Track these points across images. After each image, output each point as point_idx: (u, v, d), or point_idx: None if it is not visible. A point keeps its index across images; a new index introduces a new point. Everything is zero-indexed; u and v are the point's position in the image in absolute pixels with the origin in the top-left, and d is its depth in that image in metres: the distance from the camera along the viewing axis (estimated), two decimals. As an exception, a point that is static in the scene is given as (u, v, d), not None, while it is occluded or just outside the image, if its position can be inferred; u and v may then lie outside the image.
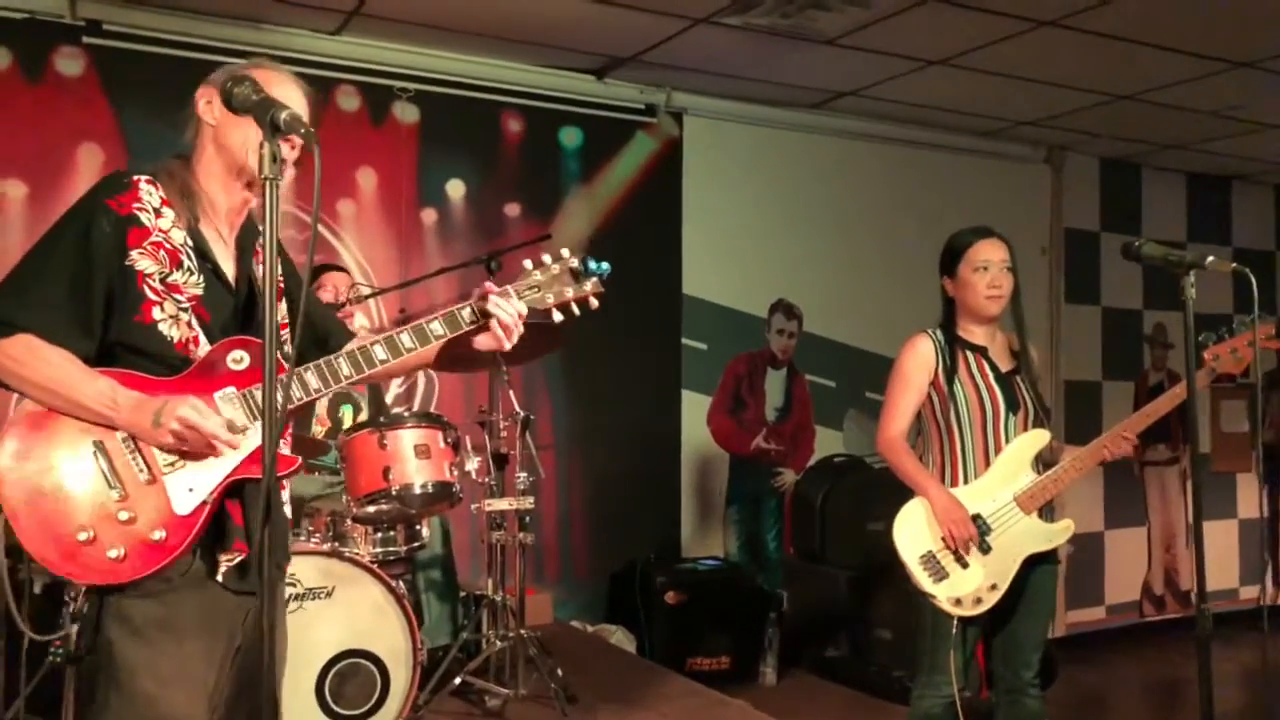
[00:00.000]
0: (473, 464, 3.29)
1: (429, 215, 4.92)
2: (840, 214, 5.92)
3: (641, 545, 5.18)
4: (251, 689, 1.84)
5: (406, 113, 4.86)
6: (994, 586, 2.88)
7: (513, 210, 5.11)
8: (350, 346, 1.92)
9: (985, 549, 2.89)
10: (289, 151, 1.87)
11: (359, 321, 4.60)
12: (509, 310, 1.91)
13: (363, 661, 2.85)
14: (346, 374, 1.87)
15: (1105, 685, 5.75)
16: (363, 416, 3.73)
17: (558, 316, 1.96)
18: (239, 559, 1.81)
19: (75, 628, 1.77)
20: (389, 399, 4.40)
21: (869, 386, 5.99)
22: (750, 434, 5.65)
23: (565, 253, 1.99)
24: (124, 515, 1.72)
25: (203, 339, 1.83)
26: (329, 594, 2.84)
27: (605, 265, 1.98)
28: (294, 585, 2.82)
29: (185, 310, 1.82)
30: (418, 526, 3.40)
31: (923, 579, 2.89)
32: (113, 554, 1.71)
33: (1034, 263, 6.57)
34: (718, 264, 5.58)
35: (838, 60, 4.96)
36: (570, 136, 5.26)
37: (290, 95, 1.90)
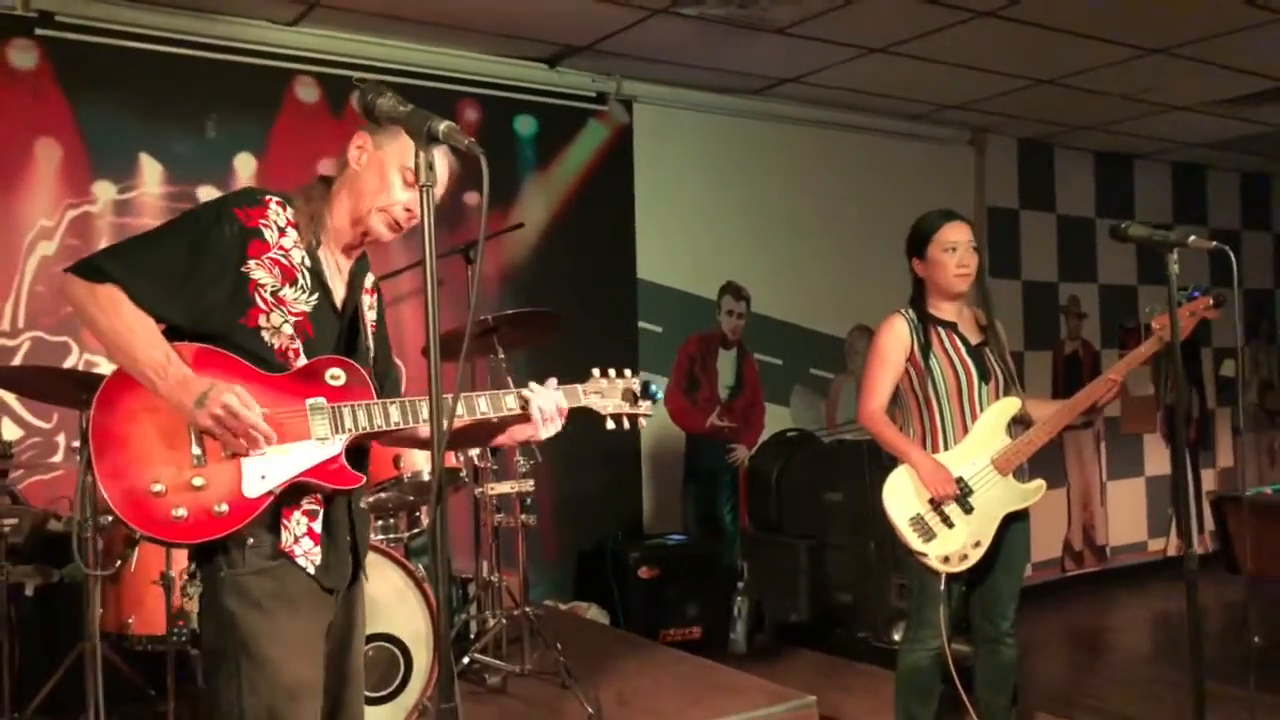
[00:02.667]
0: (475, 449, 3.39)
1: (390, 205, 4.94)
2: (783, 196, 6.12)
3: (605, 524, 5.32)
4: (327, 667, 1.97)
5: (365, 103, 4.86)
6: (978, 544, 3.11)
7: (472, 199, 5.15)
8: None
9: (968, 509, 3.11)
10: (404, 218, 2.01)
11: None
12: (549, 405, 2.07)
13: (386, 645, 2.94)
14: (395, 420, 1.98)
15: (1031, 638, 6.12)
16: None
17: (610, 425, 2.19)
18: (315, 550, 1.92)
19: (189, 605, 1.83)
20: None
21: (813, 363, 6.24)
22: (704, 412, 5.83)
23: (629, 373, 2.23)
24: (198, 481, 1.82)
25: (303, 352, 1.94)
26: (352, 580, 2.91)
27: (659, 392, 2.23)
28: (318, 573, 2.88)
29: (290, 324, 1.93)
30: (417, 514, 3.48)
31: (913, 539, 3.10)
32: (176, 513, 1.80)
33: (960, 240, 6.90)
34: (669, 248, 5.73)
35: (782, 48, 5.14)
36: (525, 124, 5.34)
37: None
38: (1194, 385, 8.27)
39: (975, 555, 3.11)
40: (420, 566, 3.13)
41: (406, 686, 2.97)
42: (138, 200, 4.38)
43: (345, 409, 1.94)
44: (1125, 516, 7.75)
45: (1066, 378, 7.45)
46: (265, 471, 1.86)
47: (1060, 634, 6.35)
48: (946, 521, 3.10)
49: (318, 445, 1.90)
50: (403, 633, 2.96)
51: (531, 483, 3.61)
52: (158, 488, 1.80)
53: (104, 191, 4.31)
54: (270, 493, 1.86)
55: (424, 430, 2.03)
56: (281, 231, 1.95)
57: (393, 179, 2.00)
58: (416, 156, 1.65)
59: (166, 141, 4.43)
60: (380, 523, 3.36)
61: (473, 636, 3.91)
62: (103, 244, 4.28)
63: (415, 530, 3.52)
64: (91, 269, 1.85)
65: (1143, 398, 7.90)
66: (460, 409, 2.03)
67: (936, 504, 3.10)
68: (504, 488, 3.58)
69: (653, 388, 2.21)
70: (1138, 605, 6.92)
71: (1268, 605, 5.71)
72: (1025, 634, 5.95)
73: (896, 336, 3.22)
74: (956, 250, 3.18)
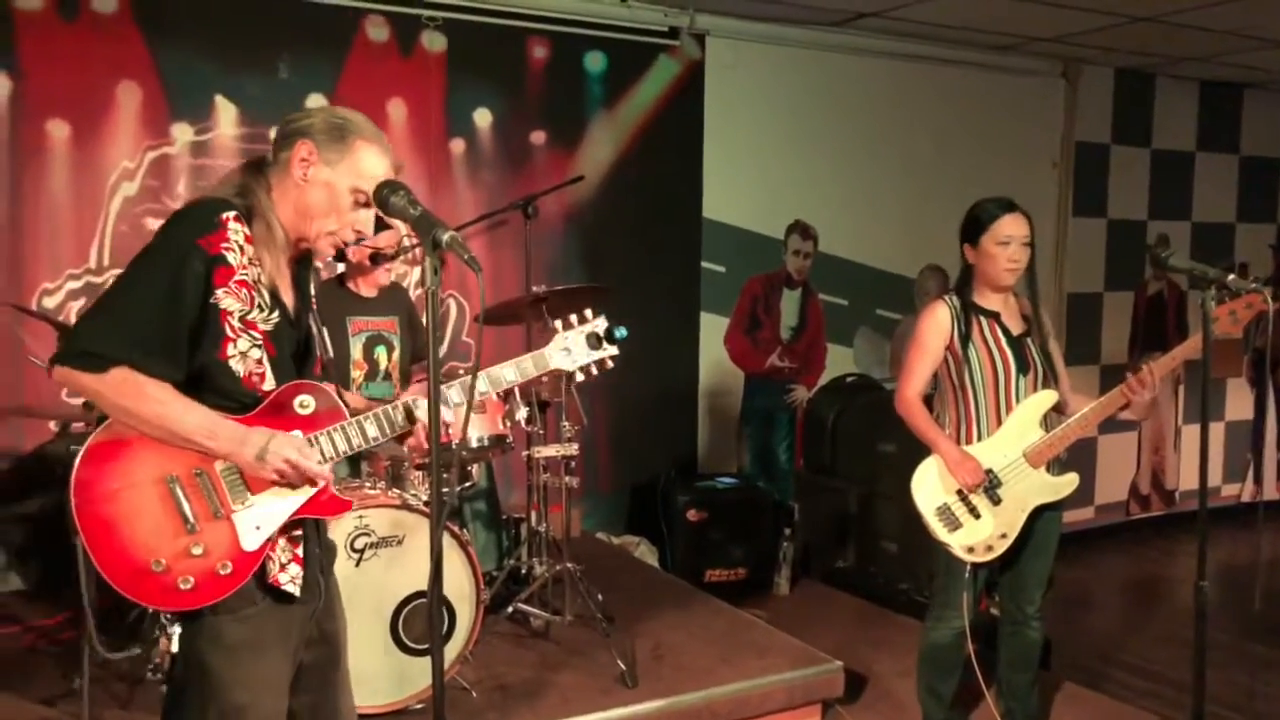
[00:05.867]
0: (522, 413, 3.54)
1: (457, 145, 5.01)
2: (857, 133, 6.00)
3: (661, 460, 5.47)
4: (316, 681, 2.06)
5: (434, 42, 4.90)
6: (1003, 535, 3.15)
7: (538, 138, 5.20)
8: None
9: (996, 500, 3.15)
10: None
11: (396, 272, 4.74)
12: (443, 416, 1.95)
13: (431, 601, 3.14)
14: (374, 435, 1.99)
15: (1085, 586, 6.14)
16: (396, 355, 3.91)
17: (579, 377, 2.18)
18: (300, 574, 1.95)
19: (163, 643, 1.87)
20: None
21: (880, 304, 6.21)
22: (765, 353, 5.88)
23: (589, 314, 2.18)
24: (196, 550, 1.84)
25: (269, 374, 1.91)
26: (400, 542, 3.10)
27: (624, 331, 2.19)
28: (368, 535, 3.08)
29: (258, 346, 1.89)
30: (469, 468, 3.67)
31: (938, 529, 3.16)
32: (183, 585, 1.83)
33: (1044, 177, 6.71)
34: (736, 187, 5.70)
35: (864, -16, 4.99)
36: (594, 61, 5.31)
37: (375, 165, 1.95)
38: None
39: (1001, 546, 3.15)
40: (465, 530, 3.31)
41: (450, 639, 3.18)
42: (214, 141, 4.53)
43: (323, 437, 1.94)
44: (1199, 460, 7.59)
45: (1148, 320, 7.26)
46: (259, 521, 1.88)
47: (1115, 582, 6.35)
48: (974, 512, 3.15)
49: (329, 472, 1.92)
50: (447, 590, 3.15)
51: (575, 446, 3.75)
52: (158, 566, 1.82)
53: (182, 133, 4.47)
54: (269, 540, 1.90)
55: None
56: (241, 250, 1.87)
57: (343, 201, 1.94)
58: (423, 260, 1.66)
59: (240, 83, 4.55)
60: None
61: (524, 572, 4.12)
62: (181, 186, 4.48)
63: (467, 484, 3.71)
64: (89, 358, 1.79)
65: (1229, 340, 7.66)
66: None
67: (964, 494, 3.14)
68: (549, 451, 3.73)
69: (618, 331, 2.19)
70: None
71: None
72: (1079, 580, 6.05)
73: (937, 324, 3.21)
74: (1009, 245, 3.12)
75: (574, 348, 2.16)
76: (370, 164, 1.94)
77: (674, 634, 3.90)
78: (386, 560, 3.12)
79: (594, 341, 2.16)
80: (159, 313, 1.80)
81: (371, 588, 3.10)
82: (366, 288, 3.93)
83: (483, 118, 5.06)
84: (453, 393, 2.04)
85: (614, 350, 2.18)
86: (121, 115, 4.37)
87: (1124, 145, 7.01)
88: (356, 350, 3.86)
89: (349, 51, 4.74)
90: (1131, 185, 7.10)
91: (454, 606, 3.19)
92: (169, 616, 1.96)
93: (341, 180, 1.93)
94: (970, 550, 3.15)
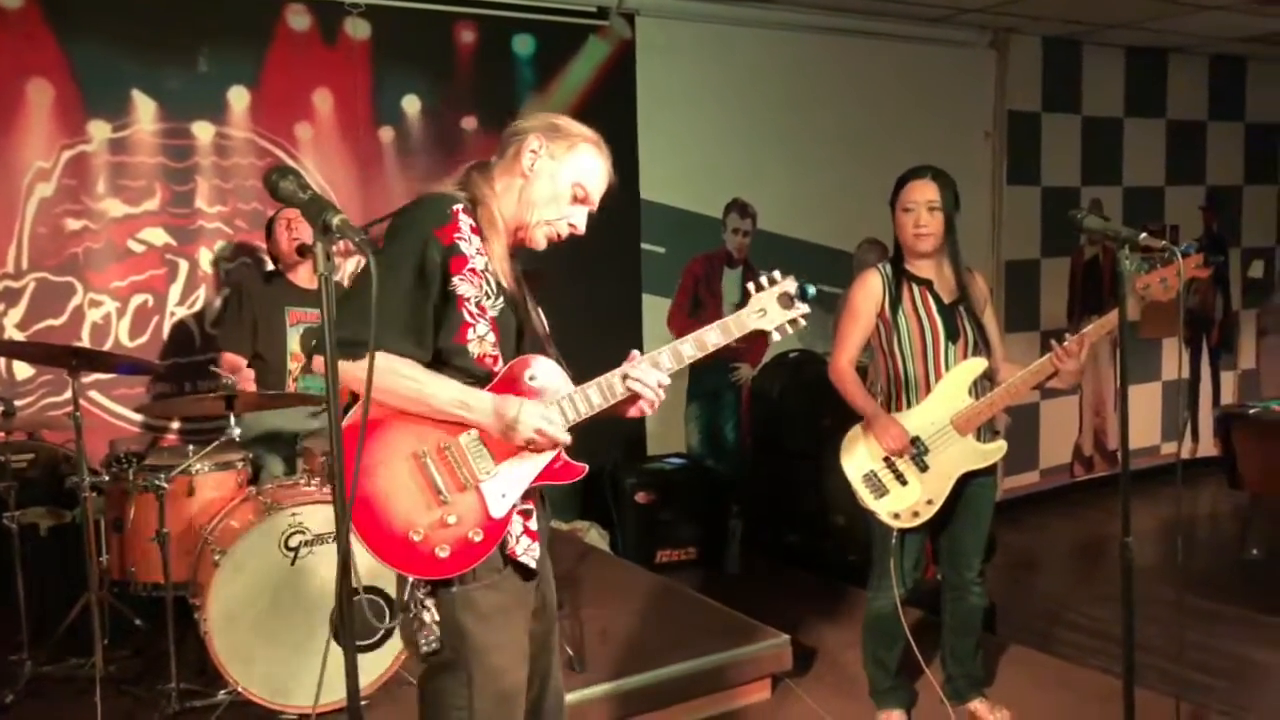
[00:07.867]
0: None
1: (386, 133, 4.93)
2: (791, 109, 6.00)
3: (609, 443, 5.43)
4: (539, 645, 2.12)
5: (358, 29, 4.81)
6: (930, 501, 3.16)
7: (469, 123, 5.13)
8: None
9: (923, 467, 3.16)
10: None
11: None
12: (650, 383, 2.07)
13: (372, 597, 3.10)
14: (597, 403, 2.03)
15: (1038, 546, 6.24)
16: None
17: (776, 337, 2.20)
18: (534, 548, 2.02)
19: (425, 616, 1.93)
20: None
21: (820, 279, 6.11)
22: (708, 332, 5.86)
23: (777, 275, 2.19)
24: (451, 519, 1.92)
25: (501, 356, 2.00)
26: (334, 539, 3.06)
27: (814, 290, 2.19)
28: (303, 533, 3.04)
29: (489, 330, 1.99)
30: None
31: (865, 496, 3.18)
32: (440, 553, 1.91)
33: (978, 147, 6.77)
34: (673, 167, 5.68)
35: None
36: (523, 44, 5.25)
37: (594, 166, 2.13)
38: (1220, 286, 8.15)
39: (928, 512, 3.16)
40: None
41: (393, 634, 3.15)
42: (133, 138, 4.41)
43: (553, 408, 2.00)
44: (1138, 421, 7.74)
45: (1085, 284, 7.37)
46: (504, 490, 1.96)
47: (1061, 544, 6.45)
48: (900, 479, 3.16)
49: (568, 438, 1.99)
50: (387, 585, 3.12)
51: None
52: (417, 536, 1.90)
53: (99, 130, 4.35)
54: (513, 507, 1.97)
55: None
56: (470, 240, 1.98)
57: (564, 194, 2.07)
58: (314, 245, 1.64)
59: (159, 77, 4.44)
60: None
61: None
62: (101, 185, 4.36)
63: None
64: (345, 345, 1.86)
65: (1162, 302, 7.78)
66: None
67: (891, 461, 3.16)
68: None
69: (809, 289, 2.19)
70: (1143, 512, 6.88)
71: (1268, 521, 5.76)
72: (1026, 543, 6.15)
73: (868, 291, 3.23)
74: (913, 210, 3.15)
75: (769, 308, 2.17)
76: (590, 163, 2.12)
77: (622, 616, 3.90)
78: (322, 556, 3.08)
79: (786, 301, 2.16)
80: (404, 300, 1.91)
81: (308, 585, 3.07)
82: (305, 279, 3.91)
83: (411, 105, 4.99)
84: (664, 358, 2.09)
85: (805, 309, 2.17)
86: (33, 114, 4.24)
87: (1055, 113, 7.09)
88: (293, 341, 3.83)
89: (271, 42, 4.64)
90: (1064, 152, 7.18)
91: (394, 601, 3.15)
92: (424, 591, 1.96)
93: (564, 174, 2.08)
94: (896, 516, 3.16)
